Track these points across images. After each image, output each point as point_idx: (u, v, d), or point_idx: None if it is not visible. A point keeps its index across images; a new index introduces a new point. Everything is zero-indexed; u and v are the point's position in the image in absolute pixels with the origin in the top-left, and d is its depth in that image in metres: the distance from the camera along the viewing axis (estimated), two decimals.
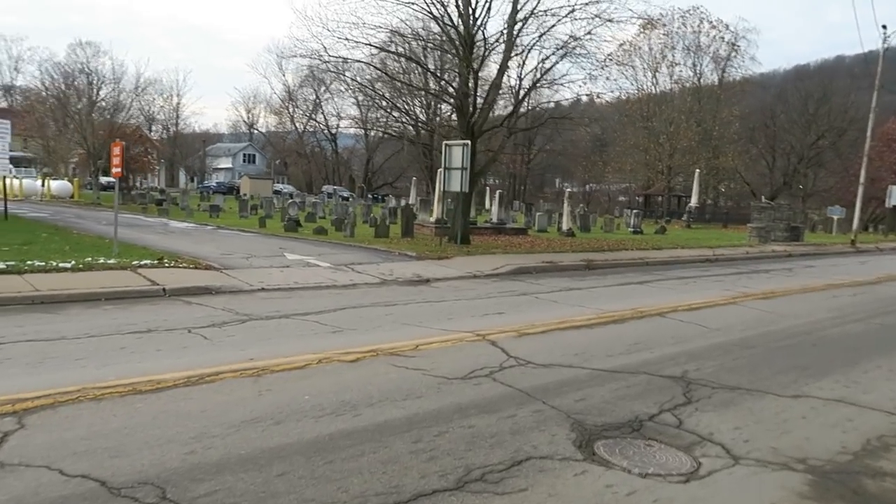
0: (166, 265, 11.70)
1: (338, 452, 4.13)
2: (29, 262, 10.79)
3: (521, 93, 21.27)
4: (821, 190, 54.53)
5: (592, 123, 58.00)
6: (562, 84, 22.13)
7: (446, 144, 16.52)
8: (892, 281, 15.40)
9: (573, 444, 4.48)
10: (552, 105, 31.01)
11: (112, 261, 11.59)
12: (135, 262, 11.51)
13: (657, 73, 54.97)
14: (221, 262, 12.67)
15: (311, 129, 77.36)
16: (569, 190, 29.86)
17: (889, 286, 14.46)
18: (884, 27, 29.38)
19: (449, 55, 21.11)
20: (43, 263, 10.83)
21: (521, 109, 26.23)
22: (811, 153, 54.87)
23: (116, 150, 12.74)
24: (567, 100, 25.41)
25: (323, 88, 65.68)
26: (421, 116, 25.15)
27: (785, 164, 56.66)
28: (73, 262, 11.14)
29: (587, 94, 25.80)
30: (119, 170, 12.76)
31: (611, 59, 41.92)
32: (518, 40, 19.58)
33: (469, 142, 16.83)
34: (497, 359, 6.45)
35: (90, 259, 11.59)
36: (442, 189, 19.48)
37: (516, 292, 10.99)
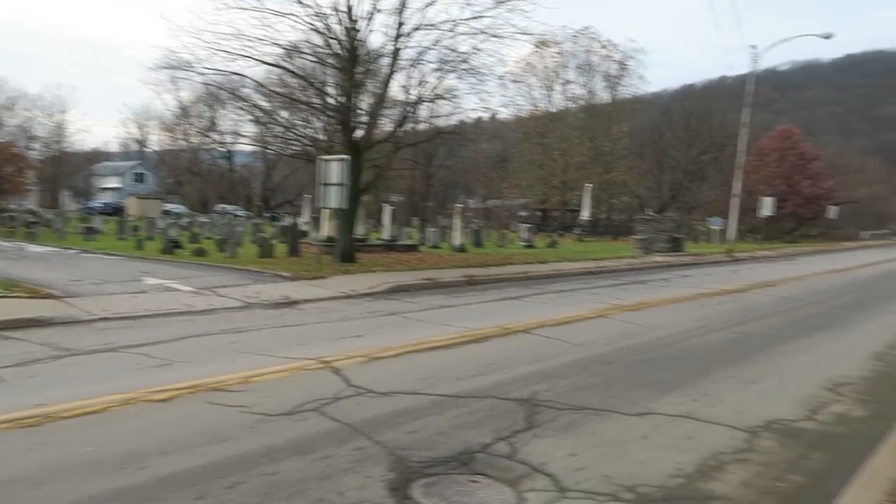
0: None
1: None
2: None
3: (413, 107, 21.04)
4: (704, 202, 57.48)
5: (492, 139, 59.11)
6: (449, 99, 22.08)
7: (322, 159, 15.88)
8: (759, 289, 16.06)
9: (387, 488, 4.00)
10: (454, 121, 31.04)
11: None
12: None
13: (552, 91, 56.63)
14: (67, 290, 11.48)
15: (207, 147, 74.37)
16: (460, 206, 29.80)
17: (755, 294, 15.03)
18: (753, 47, 31.39)
19: (334, 69, 20.52)
20: None
21: (421, 125, 26.04)
22: (695, 168, 57.83)
23: None
24: (454, 114, 25.44)
25: (218, 105, 63.37)
26: (320, 136, 24.28)
27: (672, 178, 59.42)
28: None
29: (484, 110, 25.86)
30: None
31: (504, 77, 42.73)
32: (403, 54, 19.34)
33: (348, 157, 16.28)
34: (334, 389, 5.92)
35: None
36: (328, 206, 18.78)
37: (385, 312, 10.51)
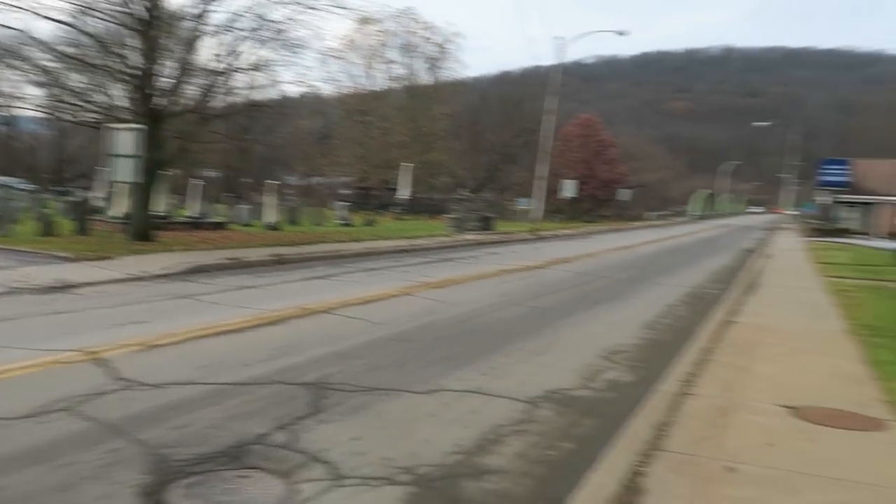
0: None
1: None
2: None
3: (222, 77, 19.73)
4: (516, 184, 60.64)
5: (314, 116, 57.54)
6: (263, 71, 21.02)
7: (112, 128, 14.35)
8: (557, 265, 17.17)
9: (139, 494, 3.59)
10: (272, 94, 29.61)
11: None
12: None
13: (374, 70, 56.37)
14: None
15: None
16: (275, 182, 28.71)
17: (553, 270, 16.04)
18: (558, 38, 33.40)
19: (133, 30, 18.58)
20: None
21: (236, 97, 24.51)
22: (508, 150, 60.75)
23: None
24: (271, 87, 24.33)
25: None
26: (122, 104, 21.87)
27: (488, 160, 61.92)
28: None
29: (301, 84, 25.01)
30: None
31: (325, 52, 41.71)
32: (213, 19, 18.10)
33: (144, 127, 14.87)
34: (96, 383, 5.28)
35: None
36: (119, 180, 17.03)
37: (176, 295, 9.71)
